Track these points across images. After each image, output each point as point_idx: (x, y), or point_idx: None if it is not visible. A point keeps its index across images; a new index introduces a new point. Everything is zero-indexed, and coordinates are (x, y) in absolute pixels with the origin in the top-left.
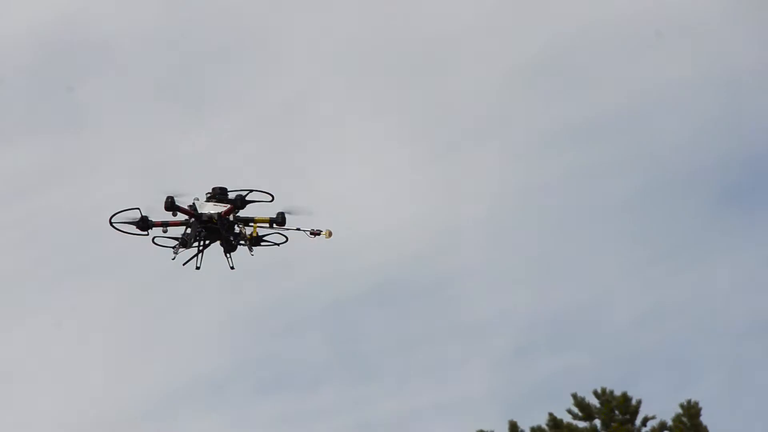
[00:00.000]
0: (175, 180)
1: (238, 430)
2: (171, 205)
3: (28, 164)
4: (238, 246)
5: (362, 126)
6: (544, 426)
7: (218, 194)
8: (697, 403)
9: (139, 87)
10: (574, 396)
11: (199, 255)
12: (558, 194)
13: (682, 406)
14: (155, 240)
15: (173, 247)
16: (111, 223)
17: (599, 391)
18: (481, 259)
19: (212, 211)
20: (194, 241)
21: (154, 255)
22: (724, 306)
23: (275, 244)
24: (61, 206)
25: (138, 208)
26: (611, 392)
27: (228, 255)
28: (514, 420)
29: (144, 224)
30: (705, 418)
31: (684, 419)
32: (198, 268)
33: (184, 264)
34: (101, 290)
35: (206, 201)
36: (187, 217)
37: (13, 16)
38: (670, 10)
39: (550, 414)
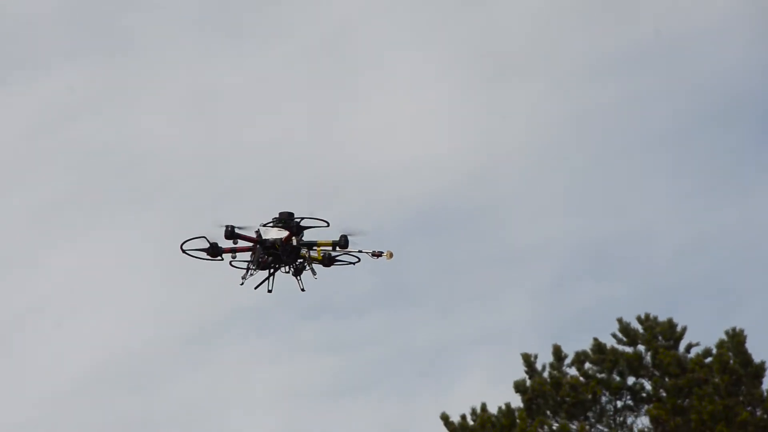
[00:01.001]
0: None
1: (283, 355)
2: (231, 234)
3: (72, 89)
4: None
5: (405, 57)
6: (588, 350)
7: (284, 219)
8: (742, 331)
9: (183, 16)
10: (620, 321)
11: (270, 278)
12: (602, 124)
13: (727, 333)
14: (232, 263)
15: (242, 276)
16: (183, 250)
17: (642, 317)
18: (524, 188)
19: (275, 237)
20: (261, 266)
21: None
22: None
23: (350, 263)
24: (102, 133)
25: (204, 237)
26: (655, 318)
27: (297, 277)
28: (558, 344)
29: (214, 251)
30: (750, 346)
31: (728, 346)
32: (270, 291)
33: (255, 288)
34: (145, 217)
35: (272, 226)
36: (251, 243)
37: None
38: None
39: (595, 339)
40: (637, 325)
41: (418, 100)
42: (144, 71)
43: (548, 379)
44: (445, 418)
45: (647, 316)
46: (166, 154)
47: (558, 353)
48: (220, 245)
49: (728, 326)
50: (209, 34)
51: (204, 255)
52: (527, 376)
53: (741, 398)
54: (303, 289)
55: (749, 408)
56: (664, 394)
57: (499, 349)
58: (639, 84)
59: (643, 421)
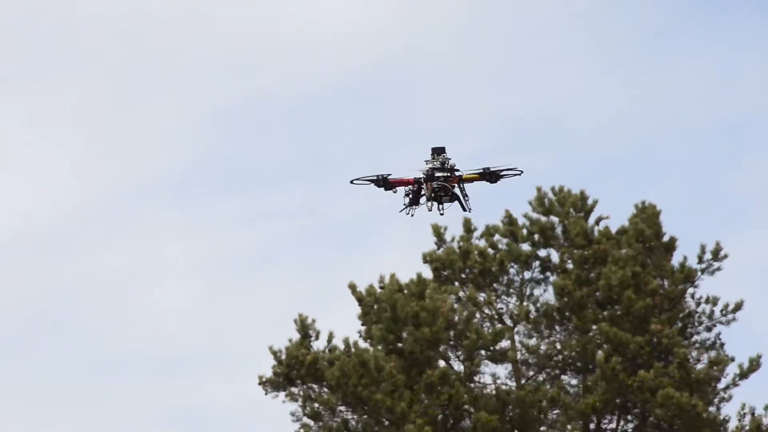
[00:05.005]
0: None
1: (198, 227)
2: (385, 184)
3: None
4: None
5: None
6: (498, 224)
7: (486, 173)
8: (654, 206)
9: None
10: (538, 189)
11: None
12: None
13: (636, 206)
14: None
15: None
16: (352, 182)
17: (557, 189)
18: (445, 63)
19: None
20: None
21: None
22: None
23: (516, 174)
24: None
25: (379, 175)
26: (569, 191)
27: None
28: (469, 217)
29: (384, 183)
30: (664, 220)
31: (641, 218)
32: (441, 214)
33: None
34: (76, 83)
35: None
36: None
37: None
38: None
39: (506, 210)
40: (552, 197)
41: None
42: None
43: (456, 250)
44: (352, 287)
45: (561, 188)
46: (92, 21)
47: (468, 225)
48: (389, 179)
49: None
50: None
51: (371, 184)
52: (436, 248)
53: (650, 270)
54: (468, 209)
55: (659, 279)
56: (570, 266)
57: (414, 224)
58: None
59: (550, 292)
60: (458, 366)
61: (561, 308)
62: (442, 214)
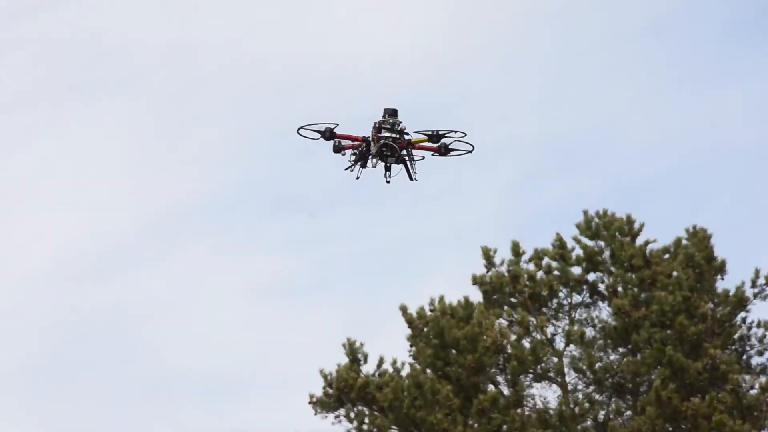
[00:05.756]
0: None
1: (247, 250)
2: (331, 136)
3: None
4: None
5: None
6: (547, 247)
7: (432, 134)
8: (705, 229)
9: None
10: (585, 213)
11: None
12: (568, 21)
13: (687, 231)
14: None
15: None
16: (299, 133)
17: (601, 212)
18: (488, 83)
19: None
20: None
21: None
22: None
23: (467, 152)
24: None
25: (326, 126)
26: (613, 214)
27: (388, 171)
28: (517, 240)
29: (330, 135)
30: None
31: (691, 242)
32: (388, 182)
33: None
34: (116, 106)
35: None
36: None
37: None
38: None
39: (557, 234)
40: (598, 221)
41: None
42: None
43: (506, 273)
44: (403, 309)
45: (605, 212)
46: (137, 46)
47: (516, 249)
48: (335, 131)
49: (689, 225)
50: None
51: (319, 137)
52: (486, 270)
53: (701, 294)
54: (414, 179)
55: (710, 305)
56: (621, 290)
57: (463, 244)
58: None
59: (602, 315)
60: (507, 389)
61: (619, 328)
62: (388, 182)
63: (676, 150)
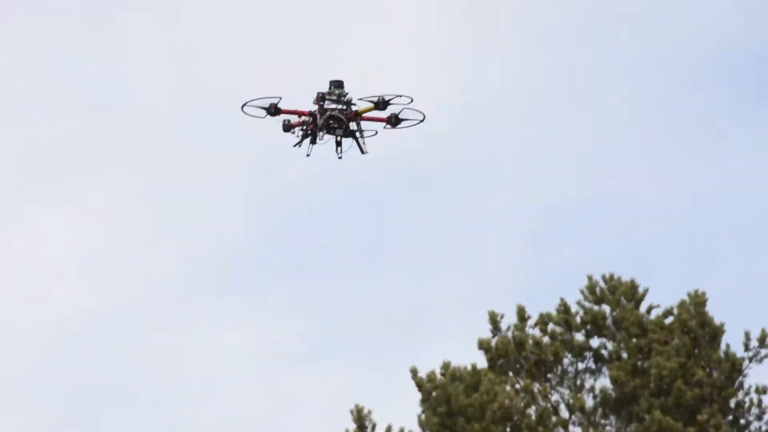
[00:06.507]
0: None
1: (252, 316)
2: (276, 112)
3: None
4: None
5: None
6: (551, 312)
7: (379, 101)
8: (703, 293)
9: None
10: (589, 278)
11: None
12: (576, 87)
13: (689, 295)
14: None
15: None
16: (243, 111)
17: (607, 277)
18: (492, 146)
19: (334, 107)
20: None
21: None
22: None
23: (419, 121)
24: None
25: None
26: (618, 279)
27: (339, 146)
28: (522, 305)
29: (275, 111)
30: (712, 309)
31: (688, 308)
32: (340, 158)
33: (303, 149)
34: (117, 173)
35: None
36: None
37: None
38: None
39: (561, 299)
40: (603, 285)
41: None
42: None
43: (511, 339)
44: (413, 372)
45: (611, 276)
46: (157, 107)
47: (521, 314)
48: (280, 106)
49: (694, 288)
50: None
51: (264, 114)
52: (492, 335)
53: (697, 360)
54: (365, 151)
55: (707, 369)
56: (625, 356)
57: (469, 310)
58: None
59: (604, 382)
60: None
61: (617, 398)
62: (340, 158)
63: (678, 212)
